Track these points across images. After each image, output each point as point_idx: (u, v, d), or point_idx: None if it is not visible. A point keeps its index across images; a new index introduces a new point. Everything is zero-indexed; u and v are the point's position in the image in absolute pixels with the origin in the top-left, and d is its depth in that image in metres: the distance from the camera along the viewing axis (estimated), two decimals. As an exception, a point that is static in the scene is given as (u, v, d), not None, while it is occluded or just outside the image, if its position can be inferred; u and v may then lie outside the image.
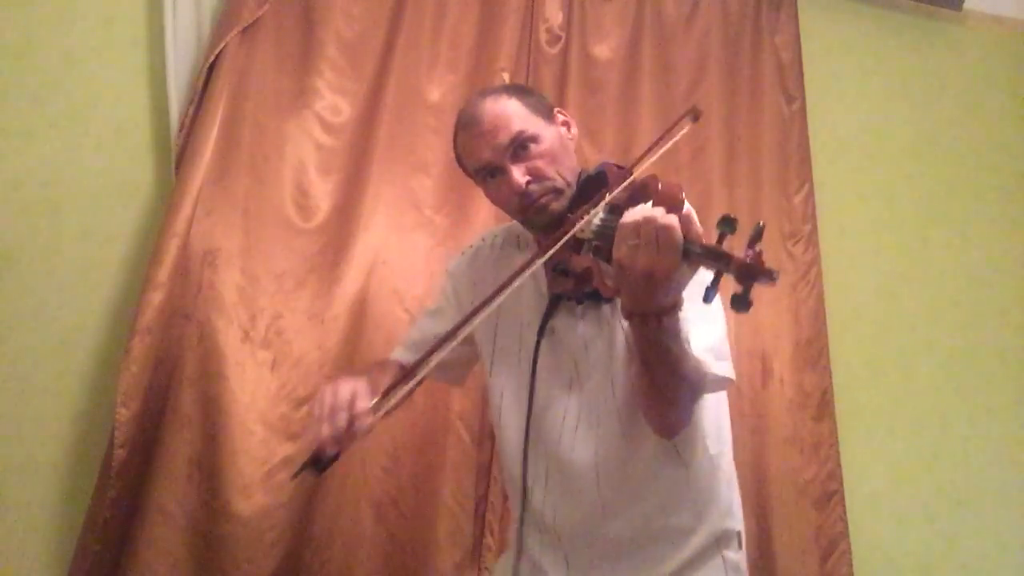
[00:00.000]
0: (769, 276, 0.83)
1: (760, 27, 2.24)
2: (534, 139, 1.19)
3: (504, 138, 1.18)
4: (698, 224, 0.90)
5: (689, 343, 1.02)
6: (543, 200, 1.18)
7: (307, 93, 1.90)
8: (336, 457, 1.09)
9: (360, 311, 1.81)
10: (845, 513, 2.00)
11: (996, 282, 2.36)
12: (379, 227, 1.86)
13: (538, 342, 1.21)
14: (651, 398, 1.07)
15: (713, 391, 1.14)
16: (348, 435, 1.07)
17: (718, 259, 0.86)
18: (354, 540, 1.71)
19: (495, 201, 1.26)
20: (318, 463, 1.09)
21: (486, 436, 1.83)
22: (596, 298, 1.15)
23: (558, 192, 1.19)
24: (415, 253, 1.87)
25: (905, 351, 2.26)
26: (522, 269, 1.10)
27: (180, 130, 1.82)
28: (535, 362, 1.21)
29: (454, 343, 1.13)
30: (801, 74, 2.24)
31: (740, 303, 0.84)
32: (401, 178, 1.91)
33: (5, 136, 1.76)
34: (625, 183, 1.06)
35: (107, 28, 1.86)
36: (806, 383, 2.06)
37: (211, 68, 1.82)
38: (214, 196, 1.77)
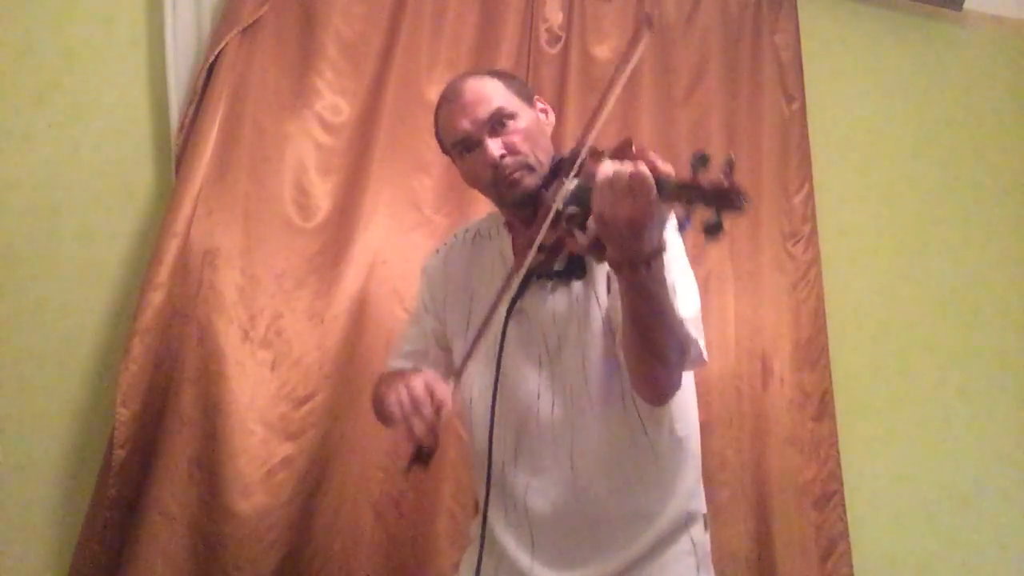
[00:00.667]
0: (738, 195, 0.86)
1: (760, 27, 2.24)
2: (512, 116, 1.22)
3: (483, 112, 1.21)
4: (664, 164, 0.94)
5: (676, 294, 1.07)
6: (516, 175, 1.20)
7: (307, 93, 1.90)
8: (434, 448, 1.12)
9: (360, 311, 1.81)
10: (845, 513, 2.00)
11: (996, 282, 2.36)
12: (379, 227, 1.86)
13: (506, 322, 1.22)
14: (643, 355, 1.08)
15: (692, 366, 1.16)
16: (439, 423, 1.09)
17: (690, 189, 0.89)
18: (354, 540, 1.71)
19: (469, 177, 1.27)
20: (422, 457, 1.13)
21: (486, 436, 1.83)
22: (566, 276, 1.19)
23: (531, 169, 1.21)
24: (415, 253, 1.87)
25: (905, 351, 2.26)
26: (527, 256, 1.11)
27: (180, 130, 1.82)
28: (503, 340, 1.22)
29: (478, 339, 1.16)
30: (801, 74, 2.24)
31: (713, 229, 0.86)
32: (401, 178, 1.91)
33: (5, 136, 1.77)
34: (587, 146, 1.11)
35: (107, 28, 1.87)
36: (806, 383, 2.06)
37: (211, 68, 1.82)
38: (214, 196, 1.77)
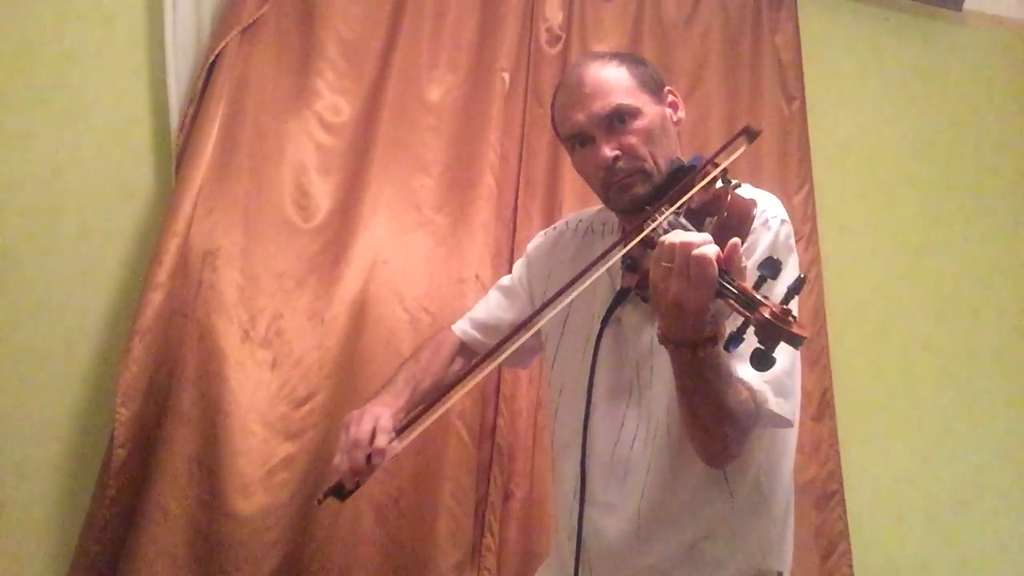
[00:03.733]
0: (792, 341, 0.77)
1: (760, 27, 2.24)
2: (634, 114, 1.12)
3: (601, 108, 1.11)
4: (740, 257, 0.84)
5: (734, 374, 0.96)
6: (628, 180, 1.11)
7: (307, 93, 1.89)
8: (356, 488, 1.14)
9: (360, 311, 1.80)
10: (845, 513, 2.00)
11: (996, 282, 2.36)
12: (379, 227, 1.86)
13: (601, 332, 1.14)
14: (692, 428, 1.00)
15: (767, 427, 1.06)
16: (367, 469, 1.11)
17: (748, 306, 0.80)
18: (354, 540, 1.71)
19: (581, 172, 1.19)
20: (340, 492, 1.15)
21: (486, 436, 1.83)
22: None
23: (645, 175, 1.11)
24: (415, 253, 1.87)
25: (905, 351, 2.26)
26: (596, 261, 1.05)
27: (180, 130, 1.81)
28: (595, 355, 1.14)
29: (520, 341, 1.09)
30: (801, 74, 2.24)
31: (761, 360, 0.78)
32: (401, 178, 1.91)
33: (5, 136, 1.76)
34: (693, 189, 1.00)
35: (107, 28, 1.86)
36: (806, 383, 2.05)
37: (211, 68, 1.82)
38: (214, 196, 1.77)
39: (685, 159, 1.19)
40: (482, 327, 1.35)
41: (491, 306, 1.38)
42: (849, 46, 2.41)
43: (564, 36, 2.08)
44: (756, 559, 1.13)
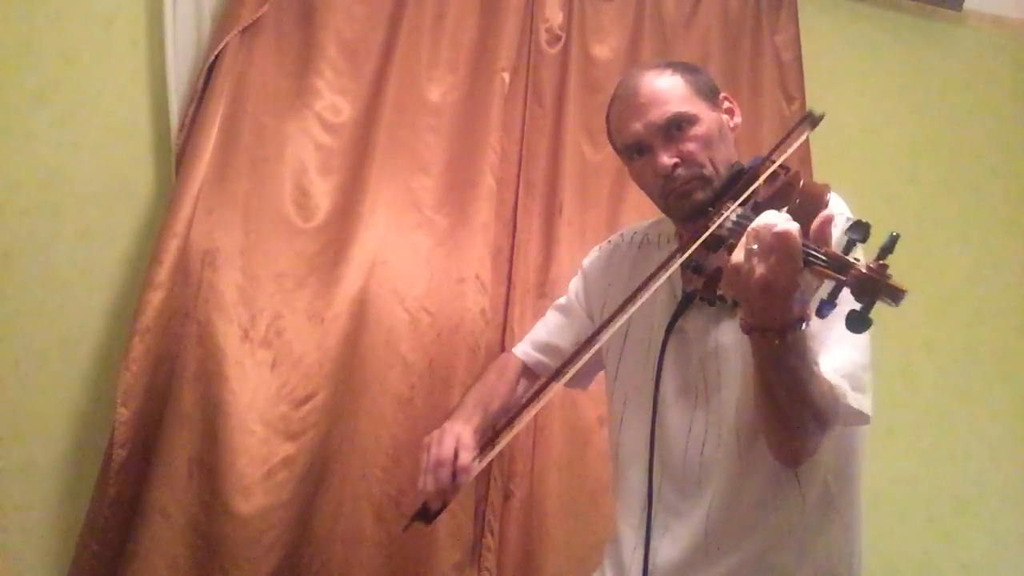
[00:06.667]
0: (893, 295, 0.76)
1: (760, 27, 2.24)
2: (691, 121, 1.12)
3: (658, 117, 1.11)
4: (831, 231, 0.84)
5: (818, 364, 0.94)
6: (688, 187, 1.11)
7: (307, 93, 1.89)
8: (443, 508, 1.11)
9: (360, 311, 1.80)
10: (845, 513, 2.00)
11: (996, 282, 2.36)
12: (379, 227, 1.86)
13: (664, 341, 1.14)
14: (772, 422, 0.98)
15: (845, 425, 1.04)
16: (453, 488, 1.08)
17: (839, 269, 0.79)
18: (354, 540, 1.71)
19: (639, 182, 1.18)
20: (426, 515, 1.12)
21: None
22: (732, 304, 1.03)
23: (706, 181, 1.11)
24: (415, 253, 1.87)
25: (905, 351, 2.26)
26: (659, 269, 1.05)
27: (180, 130, 1.82)
28: (660, 364, 1.13)
29: (586, 358, 1.09)
30: (801, 74, 2.24)
31: (856, 321, 0.77)
32: (401, 178, 1.91)
33: (5, 136, 1.76)
34: (761, 177, 1.01)
35: (107, 28, 1.86)
36: (806, 383, 2.06)
37: (211, 68, 1.82)
38: (214, 196, 1.77)
39: (744, 163, 1.19)
40: (543, 348, 1.35)
41: (550, 327, 1.38)
42: (849, 46, 2.41)
43: (564, 36, 2.08)
44: (825, 564, 1.09)
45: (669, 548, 1.11)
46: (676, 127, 1.12)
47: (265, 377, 1.73)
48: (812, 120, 1.09)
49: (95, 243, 1.80)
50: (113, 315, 1.79)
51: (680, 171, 1.11)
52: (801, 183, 0.94)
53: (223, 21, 1.86)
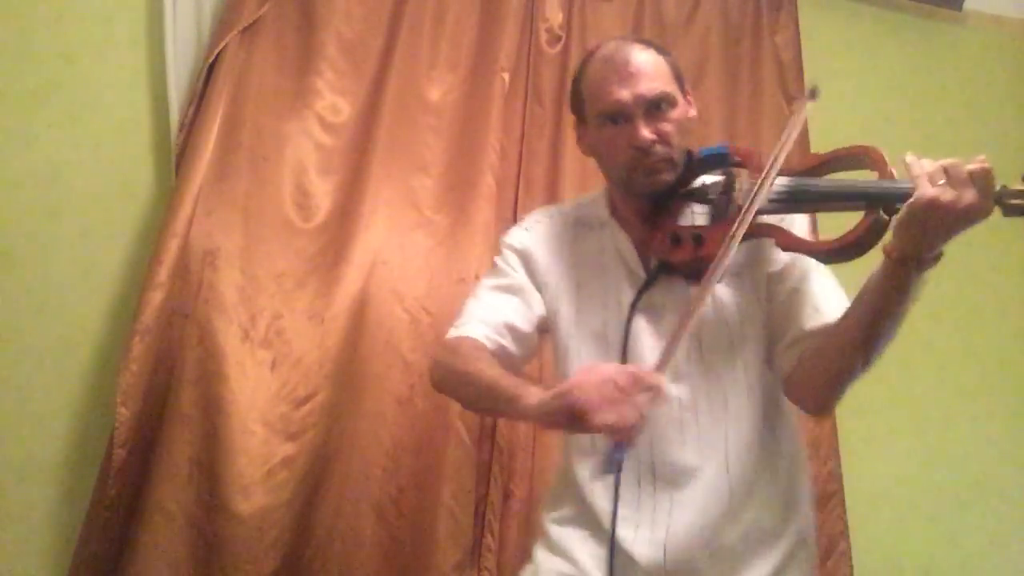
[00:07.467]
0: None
1: (760, 27, 2.24)
2: (672, 103, 1.15)
3: (648, 91, 1.13)
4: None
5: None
6: (658, 165, 1.13)
7: (307, 93, 1.89)
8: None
9: (360, 311, 1.80)
10: (845, 513, 2.00)
11: (996, 282, 2.36)
12: (379, 227, 1.86)
13: (629, 319, 1.13)
14: (854, 361, 1.05)
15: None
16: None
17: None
18: (354, 540, 1.71)
19: (604, 149, 1.18)
20: (619, 454, 0.98)
21: (486, 436, 1.82)
22: (694, 277, 1.09)
23: (673, 164, 1.14)
24: (415, 253, 1.87)
25: (905, 351, 2.26)
26: (745, 211, 1.05)
27: (180, 130, 1.82)
28: (627, 335, 1.12)
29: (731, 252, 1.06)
30: (801, 74, 2.24)
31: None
32: (401, 178, 1.91)
33: (5, 136, 1.76)
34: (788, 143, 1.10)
35: (107, 28, 1.86)
36: (806, 383, 2.06)
37: (211, 68, 1.82)
38: (214, 196, 1.77)
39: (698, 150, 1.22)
40: (505, 330, 1.21)
41: (505, 308, 1.24)
42: (849, 46, 2.41)
43: (564, 36, 2.08)
44: (803, 521, 1.14)
45: (685, 516, 1.10)
46: (658, 106, 1.14)
47: (265, 377, 1.73)
48: (811, 94, 1.13)
49: (95, 243, 1.80)
50: (113, 315, 1.79)
51: (657, 148, 1.13)
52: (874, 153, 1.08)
53: (223, 21, 1.86)
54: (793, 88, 2.22)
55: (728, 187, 1.12)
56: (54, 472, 1.72)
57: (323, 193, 1.87)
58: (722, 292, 1.14)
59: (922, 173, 0.96)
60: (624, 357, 1.13)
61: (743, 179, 1.12)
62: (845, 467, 2.03)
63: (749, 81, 2.20)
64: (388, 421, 1.76)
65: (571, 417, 0.94)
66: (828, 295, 1.16)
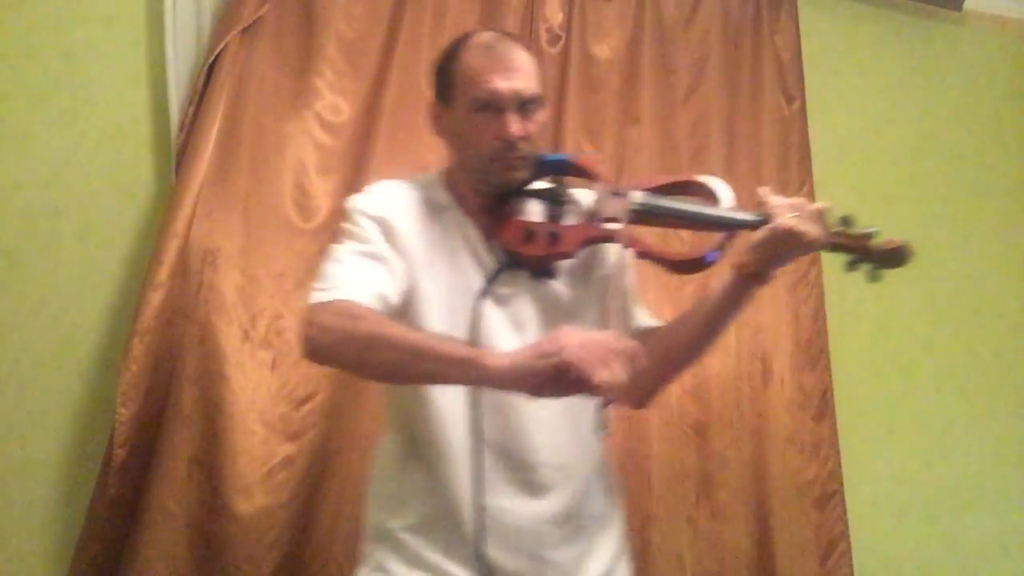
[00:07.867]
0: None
1: (760, 27, 2.24)
2: (540, 106, 1.18)
3: (526, 88, 1.15)
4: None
5: None
6: (517, 162, 1.16)
7: (307, 93, 1.89)
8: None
9: (360, 311, 1.80)
10: (845, 513, 2.00)
11: (996, 282, 2.36)
12: (379, 227, 1.86)
13: (478, 305, 1.14)
14: (690, 362, 1.23)
15: None
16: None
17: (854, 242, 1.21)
18: (354, 540, 1.70)
19: (468, 135, 1.17)
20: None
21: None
22: (547, 275, 1.20)
23: (528, 164, 1.18)
24: (415, 253, 1.87)
25: (905, 351, 2.26)
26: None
27: (180, 130, 1.82)
28: (474, 328, 1.12)
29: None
30: (801, 74, 2.24)
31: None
32: (401, 178, 1.91)
33: (5, 136, 1.76)
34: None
35: (107, 28, 1.86)
36: (806, 383, 2.06)
37: (211, 68, 1.82)
38: (214, 196, 1.77)
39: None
40: (380, 299, 1.11)
41: (376, 277, 1.14)
42: (849, 46, 2.41)
43: (564, 36, 2.08)
44: (619, 506, 1.27)
45: (514, 518, 1.13)
46: (528, 106, 1.16)
47: (265, 377, 1.73)
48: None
49: (95, 243, 1.80)
50: (113, 315, 1.79)
51: (521, 144, 1.15)
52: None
53: (223, 21, 1.86)
54: (793, 88, 2.22)
55: (563, 194, 1.23)
56: (54, 472, 1.72)
57: (323, 193, 1.87)
58: (562, 290, 1.21)
59: (781, 204, 1.12)
60: (471, 342, 1.11)
61: (596, 187, 1.21)
62: (845, 467, 2.03)
63: (749, 81, 2.20)
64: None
65: (563, 377, 0.91)
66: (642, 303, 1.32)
